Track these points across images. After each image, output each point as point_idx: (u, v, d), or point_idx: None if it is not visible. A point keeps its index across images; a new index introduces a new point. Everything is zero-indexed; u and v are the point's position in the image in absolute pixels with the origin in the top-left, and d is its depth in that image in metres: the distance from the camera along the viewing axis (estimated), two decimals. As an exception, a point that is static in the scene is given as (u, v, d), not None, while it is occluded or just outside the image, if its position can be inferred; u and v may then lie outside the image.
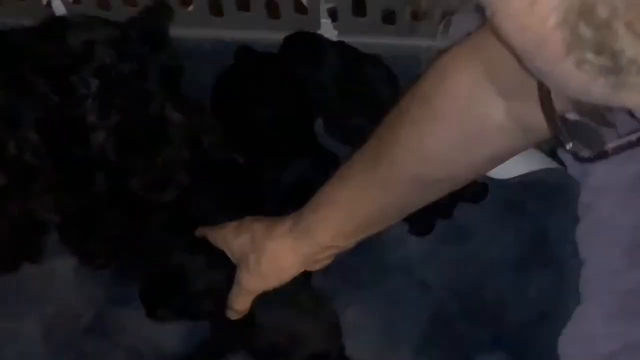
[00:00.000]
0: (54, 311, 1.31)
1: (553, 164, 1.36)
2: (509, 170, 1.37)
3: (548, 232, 1.33)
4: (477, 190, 1.35)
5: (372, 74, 1.40)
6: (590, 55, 0.53)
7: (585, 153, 0.69)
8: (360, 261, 1.35)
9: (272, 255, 1.16)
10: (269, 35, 1.43)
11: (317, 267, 1.21)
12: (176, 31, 1.44)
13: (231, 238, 1.19)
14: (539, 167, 1.35)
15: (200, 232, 1.25)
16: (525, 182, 1.34)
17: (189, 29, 1.45)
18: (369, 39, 1.42)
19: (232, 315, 1.22)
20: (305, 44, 1.43)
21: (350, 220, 1.13)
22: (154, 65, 1.30)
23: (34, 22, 1.39)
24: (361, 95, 1.40)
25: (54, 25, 1.33)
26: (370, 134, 1.11)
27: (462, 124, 1.00)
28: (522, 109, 0.92)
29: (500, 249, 1.32)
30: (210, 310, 1.26)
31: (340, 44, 1.43)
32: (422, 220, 1.35)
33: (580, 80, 0.55)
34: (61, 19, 1.40)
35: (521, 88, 0.78)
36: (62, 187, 1.28)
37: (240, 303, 1.21)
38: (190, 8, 1.46)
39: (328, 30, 1.43)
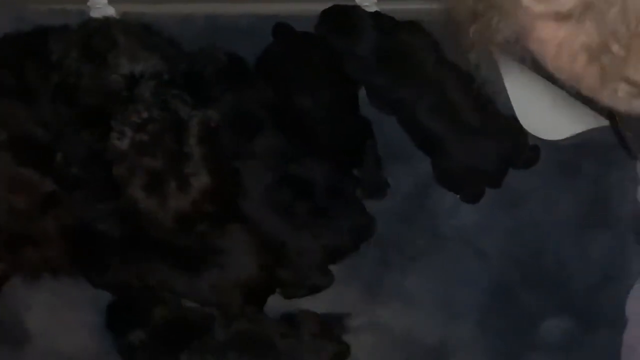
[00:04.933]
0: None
1: (606, 122, 1.33)
2: (560, 130, 1.34)
3: (606, 192, 1.30)
4: (528, 155, 1.32)
5: (412, 42, 1.37)
6: (618, 84, 0.61)
7: None
8: (414, 232, 1.33)
9: None
10: (305, 7, 1.40)
11: None
12: (211, 8, 1.43)
13: None
14: (591, 126, 1.32)
15: None
16: (578, 143, 1.31)
17: (224, 4, 1.43)
18: (408, 4, 1.38)
19: None
20: (342, 18, 1.40)
21: None
22: (194, 120, 1.21)
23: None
24: (403, 66, 1.37)
25: (99, 45, 1.26)
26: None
27: None
28: None
29: (557, 212, 1.30)
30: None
31: (377, 15, 1.40)
32: (471, 187, 1.33)
33: (621, 102, 0.63)
34: (108, 34, 1.28)
35: None
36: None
37: None
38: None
39: (366, -1, 1.40)
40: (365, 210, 1.30)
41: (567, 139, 1.32)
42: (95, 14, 1.42)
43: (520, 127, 1.31)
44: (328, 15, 1.41)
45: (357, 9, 1.41)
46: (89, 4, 1.42)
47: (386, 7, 1.40)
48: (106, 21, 1.34)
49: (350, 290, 1.29)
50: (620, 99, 0.62)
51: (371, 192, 1.33)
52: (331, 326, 1.27)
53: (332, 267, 1.29)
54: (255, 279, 1.25)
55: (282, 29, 1.40)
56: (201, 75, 1.28)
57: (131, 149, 1.18)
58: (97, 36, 1.27)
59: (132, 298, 1.27)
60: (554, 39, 0.60)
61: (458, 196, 1.33)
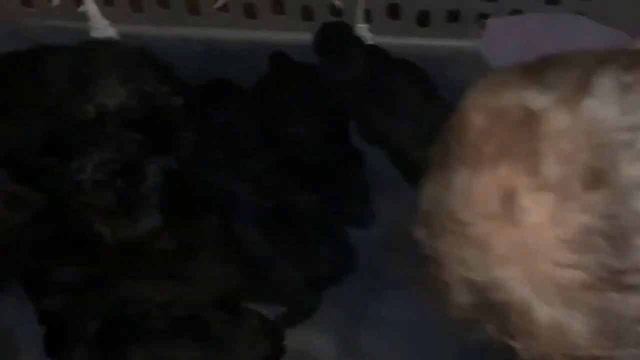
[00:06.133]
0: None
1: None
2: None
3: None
4: None
5: (403, 77, 1.40)
6: None
7: None
8: (397, 262, 1.35)
9: None
10: (303, 37, 1.43)
11: None
12: (210, 32, 1.47)
13: None
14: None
15: None
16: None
17: (224, 30, 1.46)
18: (404, 41, 1.43)
19: None
20: (337, 42, 1.42)
21: None
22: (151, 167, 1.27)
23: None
24: (391, 99, 1.40)
25: (87, 70, 1.31)
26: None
27: None
28: None
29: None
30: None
31: (371, 47, 1.43)
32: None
33: None
34: (96, 61, 1.33)
35: None
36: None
37: None
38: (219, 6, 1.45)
39: (363, 33, 1.43)
40: (349, 243, 1.34)
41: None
42: (96, 34, 1.46)
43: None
44: (323, 35, 1.43)
45: (354, 36, 1.44)
46: (89, 24, 1.46)
47: (380, 41, 1.44)
48: (101, 44, 1.38)
49: (331, 317, 1.32)
50: None
51: (357, 221, 1.37)
52: (276, 328, 1.31)
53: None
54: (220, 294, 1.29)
55: (278, 57, 1.44)
56: (172, 114, 1.33)
57: (87, 185, 1.25)
58: (88, 61, 1.32)
59: (62, 322, 1.30)
60: None
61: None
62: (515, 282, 0.61)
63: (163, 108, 1.29)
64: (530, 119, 0.60)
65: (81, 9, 1.45)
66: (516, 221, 0.60)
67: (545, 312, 0.61)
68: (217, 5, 1.44)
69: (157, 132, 1.28)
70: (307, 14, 1.43)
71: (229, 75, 1.43)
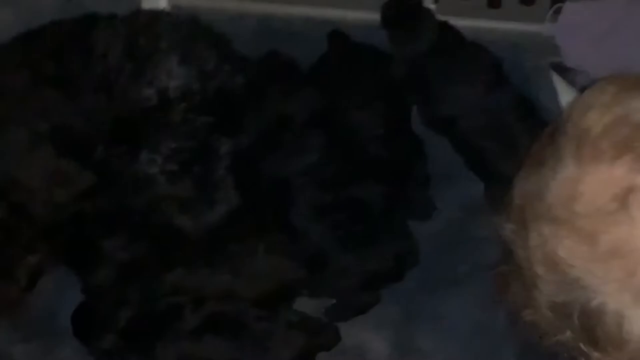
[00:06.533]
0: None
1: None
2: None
3: None
4: None
5: (472, 61, 1.32)
6: None
7: None
8: (457, 257, 1.28)
9: None
10: (364, 16, 1.37)
11: None
12: (266, 8, 1.40)
13: None
14: None
15: None
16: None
17: (281, 6, 1.40)
18: (473, 23, 1.36)
19: None
20: (407, 13, 1.35)
21: None
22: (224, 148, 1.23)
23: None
24: (457, 83, 1.32)
25: (144, 47, 1.25)
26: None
27: None
28: None
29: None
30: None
31: (443, 24, 1.35)
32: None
33: None
34: (153, 37, 1.27)
35: None
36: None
37: None
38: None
39: (430, 13, 1.37)
40: (412, 237, 1.27)
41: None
42: (147, 5, 1.39)
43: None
44: (392, 5, 1.36)
45: (424, 8, 1.36)
46: (142, -6, 1.40)
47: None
48: (155, 18, 1.30)
49: (388, 312, 1.26)
50: None
51: (417, 213, 1.30)
52: (317, 326, 1.26)
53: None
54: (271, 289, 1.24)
55: (337, 37, 1.37)
56: (235, 93, 1.27)
57: (160, 177, 1.21)
58: (143, 36, 1.25)
59: (94, 304, 1.26)
60: None
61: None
62: (613, 285, 0.60)
63: (226, 88, 1.23)
64: None
65: (132, -22, 1.39)
66: (628, 219, 0.59)
67: None
68: (274, -21, 1.38)
69: (223, 113, 1.22)
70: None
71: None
